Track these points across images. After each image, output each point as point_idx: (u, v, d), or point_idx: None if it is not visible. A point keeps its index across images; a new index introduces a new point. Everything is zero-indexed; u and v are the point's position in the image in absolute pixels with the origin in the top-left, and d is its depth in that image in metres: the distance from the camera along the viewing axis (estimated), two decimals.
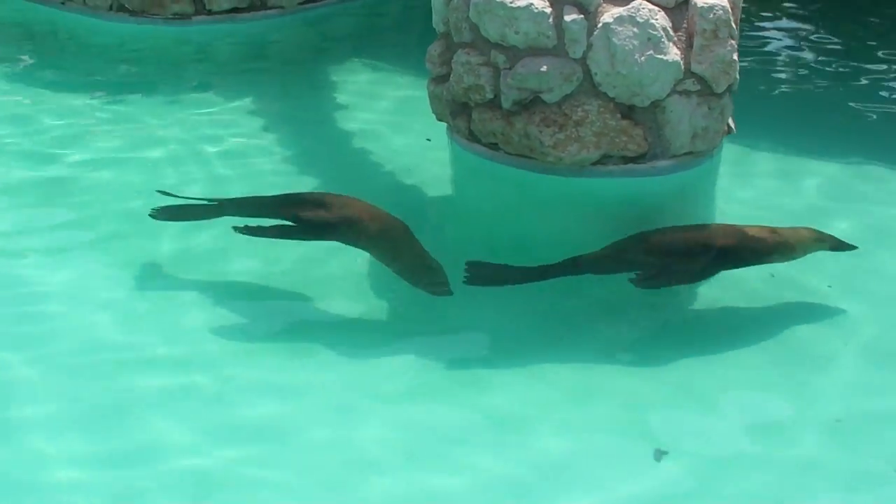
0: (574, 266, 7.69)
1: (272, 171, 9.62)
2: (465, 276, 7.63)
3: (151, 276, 8.00)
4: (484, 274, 7.67)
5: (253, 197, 8.20)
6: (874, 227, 8.85)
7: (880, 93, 12.62)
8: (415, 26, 10.53)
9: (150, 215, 8.08)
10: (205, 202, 8.16)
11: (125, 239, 8.49)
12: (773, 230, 7.94)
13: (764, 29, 15.17)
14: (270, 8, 13.32)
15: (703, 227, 8.26)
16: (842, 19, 17.55)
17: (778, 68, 13.43)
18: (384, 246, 7.75)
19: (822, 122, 11.27)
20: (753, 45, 13.89)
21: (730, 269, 7.87)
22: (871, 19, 18.33)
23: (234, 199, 8.20)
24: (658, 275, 7.69)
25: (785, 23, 16.22)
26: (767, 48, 14.11)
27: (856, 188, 9.64)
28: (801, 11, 16.99)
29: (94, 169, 9.72)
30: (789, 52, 14.58)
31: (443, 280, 7.51)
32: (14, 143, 10.14)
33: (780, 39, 14.97)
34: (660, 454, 6.22)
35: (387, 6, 14.36)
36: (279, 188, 8.92)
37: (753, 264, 7.89)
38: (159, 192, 8.31)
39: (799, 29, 16.17)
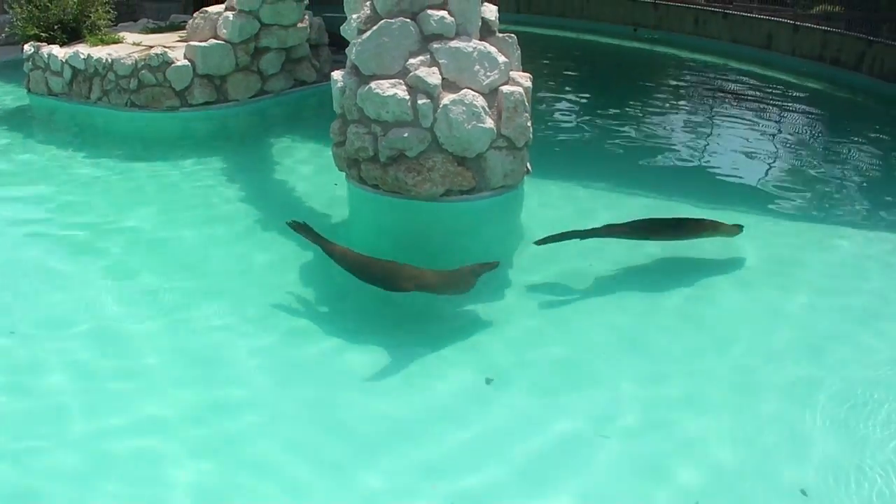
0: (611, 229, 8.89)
1: (233, 205, 10.50)
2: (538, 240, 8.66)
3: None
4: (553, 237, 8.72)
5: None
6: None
7: (628, 135, 14.30)
8: (325, 111, 11.26)
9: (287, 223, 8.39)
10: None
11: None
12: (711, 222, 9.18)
13: (555, 102, 16.71)
14: (230, 101, 14.67)
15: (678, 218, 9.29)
16: (613, 86, 19.07)
17: (562, 128, 14.77)
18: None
19: (588, 163, 12.61)
20: (546, 114, 15.41)
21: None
22: (642, 83, 19.88)
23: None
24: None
25: (568, 96, 17.73)
26: (556, 116, 15.66)
27: (609, 198, 10.71)
28: (578, 91, 18.42)
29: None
30: (572, 116, 16.06)
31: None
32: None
33: (565, 109, 16.53)
34: (489, 381, 6.84)
35: (307, 100, 15.74)
36: (237, 215, 10.08)
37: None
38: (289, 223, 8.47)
39: (578, 99, 17.67)
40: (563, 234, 8.83)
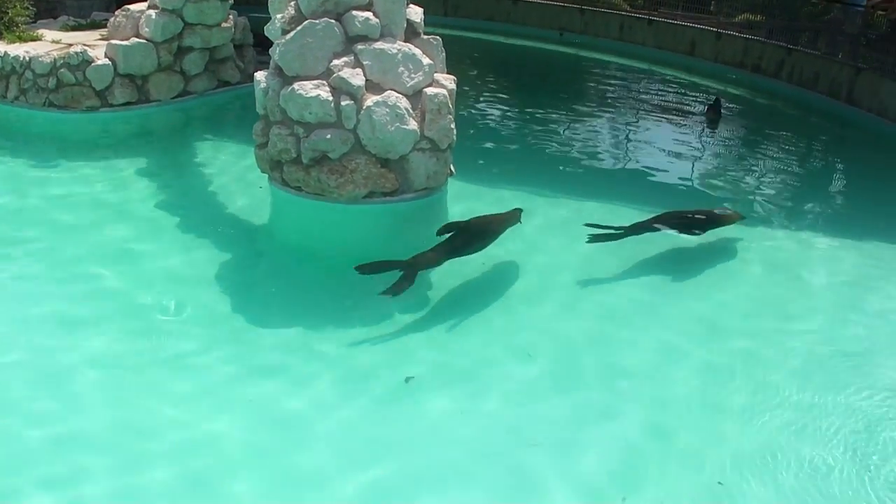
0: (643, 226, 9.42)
1: (154, 208, 10.22)
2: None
3: None
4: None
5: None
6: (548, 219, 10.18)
7: (553, 138, 14.45)
8: (249, 112, 11.13)
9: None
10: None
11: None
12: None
13: (481, 105, 16.71)
14: (152, 101, 14.31)
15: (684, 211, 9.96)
16: (539, 89, 19.16)
17: (486, 130, 14.83)
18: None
19: (513, 165, 12.77)
20: (471, 116, 15.40)
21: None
22: (567, 87, 20.03)
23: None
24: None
25: (494, 98, 17.75)
26: (480, 118, 15.64)
27: (534, 201, 10.69)
28: (503, 94, 18.47)
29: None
30: (497, 118, 16.07)
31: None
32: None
33: (490, 112, 16.51)
34: (409, 379, 6.87)
35: (231, 101, 15.49)
36: (158, 218, 9.86)
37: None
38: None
39: (504, 102, 17.70)
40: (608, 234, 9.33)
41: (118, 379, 6.87)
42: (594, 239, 9.23)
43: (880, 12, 20.29)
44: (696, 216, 9.91)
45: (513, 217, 9.32)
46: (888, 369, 7.55)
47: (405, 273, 8.07)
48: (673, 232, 9.66)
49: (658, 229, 9.56)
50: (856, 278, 9.59)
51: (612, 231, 9.34)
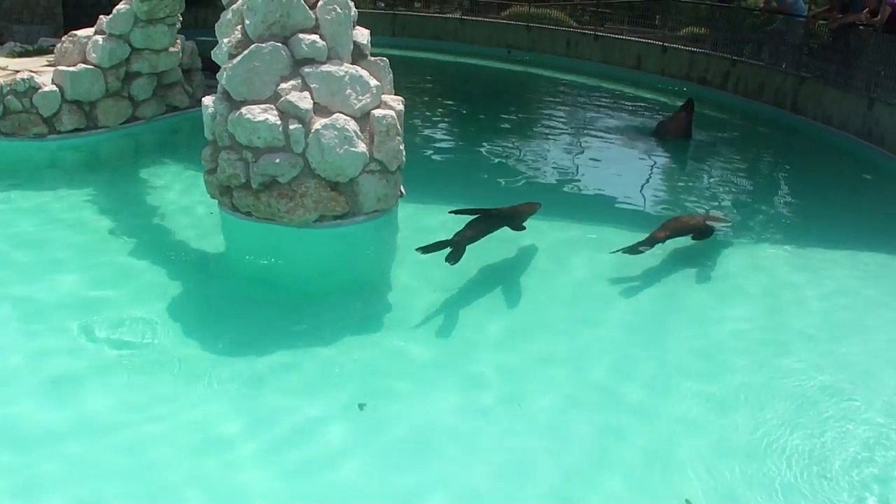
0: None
1: (103, 235, 10.06)
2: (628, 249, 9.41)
3: None
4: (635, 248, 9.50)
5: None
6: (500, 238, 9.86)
7: (503, 156, 14.49)
8: (198, 137, 10.89)
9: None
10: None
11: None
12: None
13: (430, 125, 16.68)
14: (100, 127, 14.11)
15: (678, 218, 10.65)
16: (487, 107, 19.21)
17: (436, 151, 14.83)
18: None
19: (463, 185, 12.79)
20: (420, 136, 15.35)
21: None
22: (516, 104, 20.08)
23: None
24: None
25: (443, 118, 17.76)
26: (430, 138, 15.64)
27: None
28: (452, 113, 18.49)
29: None
30: (446, 138, 16.08)
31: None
32: None
33: (439, 132, 16.53)
34: (362, 406, 6.73)
35: (180, 126, 15.31)
36: (108, 245, 9.72)
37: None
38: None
39: (453, 121, 17.73)
40: (630, 247, 9.62)
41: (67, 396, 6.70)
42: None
43: (821, 22, 20.49)
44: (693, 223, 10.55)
45: (533, 208, 10.30)
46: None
47: (455, 249, 8.97)
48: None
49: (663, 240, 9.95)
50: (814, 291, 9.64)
51: (631, 249, 9.61)
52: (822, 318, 8.94)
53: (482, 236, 9.40)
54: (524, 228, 9.99)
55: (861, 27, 18.34)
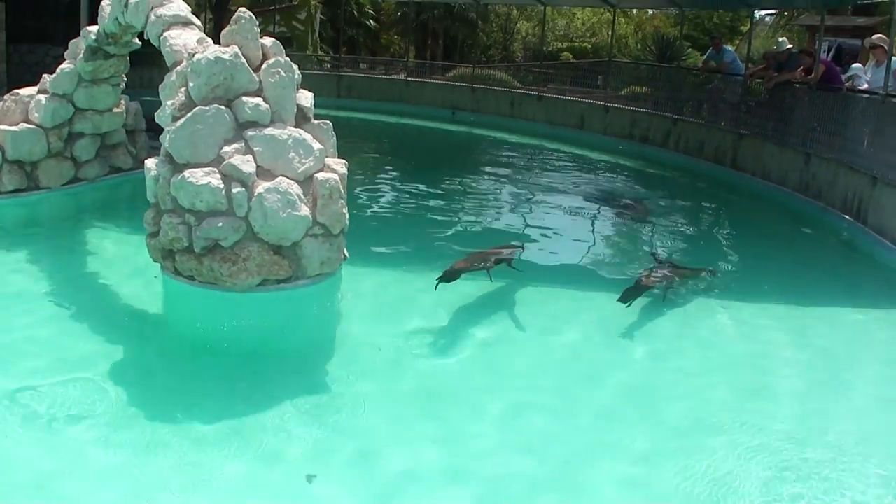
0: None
1: (44, 299, 9.86)
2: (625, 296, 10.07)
3: None
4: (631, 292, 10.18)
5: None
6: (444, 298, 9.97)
7: (448, 218, 14.50)
8: (141, 199, 10.45)
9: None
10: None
11: None
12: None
13: (374, 187, 16.63)
14: (42, 188, 13.76)
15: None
16: (432, 168, 19.22)
17: (380, 213, 14.79)
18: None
19: (408, 246, 12.70)
20: (364, 199, 15.30)
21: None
22: (461, 165, 20.11)
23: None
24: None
25: (388, 180, 17.75)
26: (374, 200, 15.56)
27: (429, 281, 10.48)
28: (397, 175, 18.49)
29: None
30: (391, 200, 16.04)
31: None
32: None
33: (384, 194, 16.47)
34: (311, 478, 6.55)
35: (123, 188, 14.99)
36: (48, 309, 9.53)
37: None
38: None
39: (397, 183, 17.72)
40: (636, 288, 10.44)
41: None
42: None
43: (758, 80, 20.84)
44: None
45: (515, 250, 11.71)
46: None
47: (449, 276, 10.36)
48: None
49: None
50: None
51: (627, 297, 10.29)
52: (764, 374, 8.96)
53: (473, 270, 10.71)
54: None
55: (796, 85, 18.64)
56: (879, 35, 17.64)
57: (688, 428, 7.65)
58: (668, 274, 11.06)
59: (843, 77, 18.43)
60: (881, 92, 15.58)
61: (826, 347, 9.83)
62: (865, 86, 17.07)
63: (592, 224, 15.34)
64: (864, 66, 18.87)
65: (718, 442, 7.37)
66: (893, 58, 16.24)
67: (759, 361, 9.31)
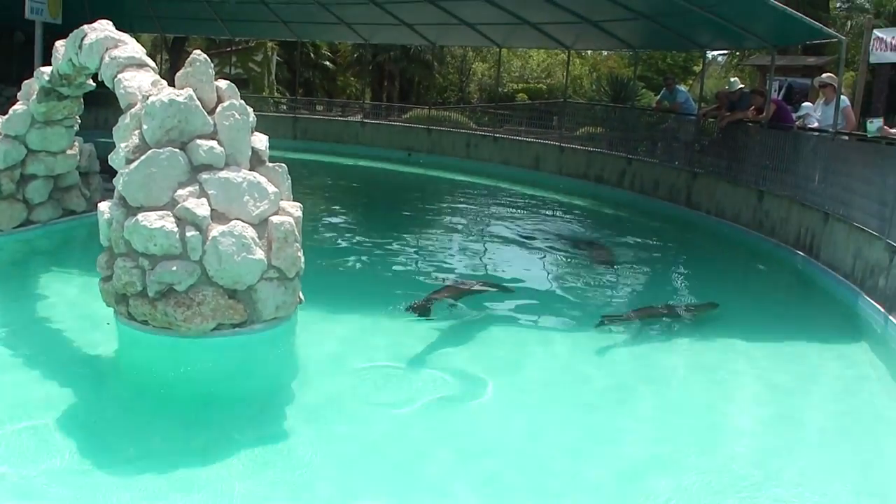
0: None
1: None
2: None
3: None
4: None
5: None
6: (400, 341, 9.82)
7: (404, 259, 14.49)
8: (95, 243, 10.36)
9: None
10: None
11: None
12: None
13: (330, 230, 16.59)
14: None
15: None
16: (388, 210, 19.24)
17: (336, 256, 14.68)
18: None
19: (363, 289, 12.69)
20: (320, 242, 15.28)
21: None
22: (417, 207, 20.08)
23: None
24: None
25: (343, 222, 17.73)
26: (330, 243, 15.58)
27: (385, 324, 10.74)
28: (353, 217, 18.48)
29: None
30: (347, 242, 16.04)
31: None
32: None
33: (339, 236, 16.47)
34: None
35: (77, 231, 14.79)
36: (3, 350, 9.29)
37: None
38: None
39: (353, 225, 17.70)
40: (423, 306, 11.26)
41: None
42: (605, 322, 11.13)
43: (711, 119, 21.05)
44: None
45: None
46: None
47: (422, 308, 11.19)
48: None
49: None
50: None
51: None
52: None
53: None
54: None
55: (748, 124, 18.87)
56: (829, 74, 17.90)
57: (645, 467, 7.58)
58: (451, 291, 12.08)
59: (794, 116, 18.66)
60: (831, 130, 15.78)
61: (781, 382, 9.86)
62: (816, 124, 17.29)
63: (554, 267, 15.33)
64: (814, 104, 19.15)
65: (674, 483, 7.32)
66: (842, 96, 16.50)
67: (715, 397, 9.36)
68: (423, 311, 11.08)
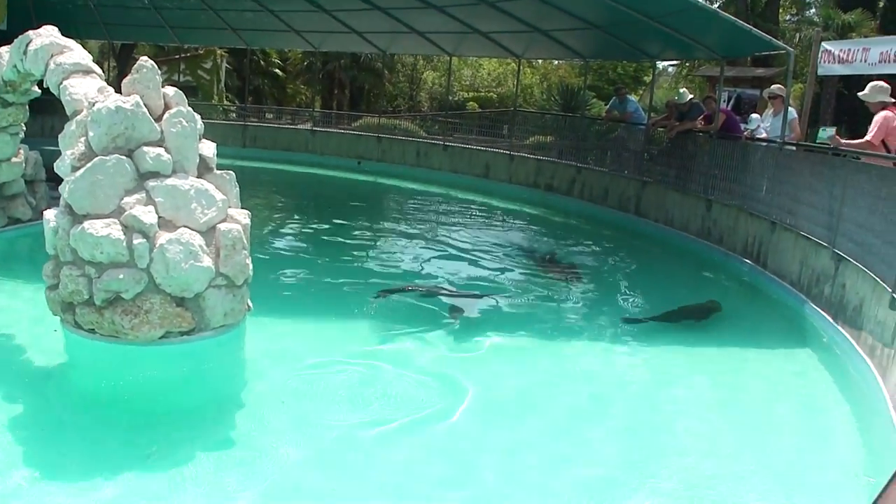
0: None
1: None
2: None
3: None
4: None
5: None
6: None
7: (353, 267, 14.43)
8: (41, 251, 10.34)
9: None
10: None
11: None
12: None
13: (279, 237, 16.59)
14: None
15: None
16: (338, 218, 19.21)
17: (285, 263, 14.76)
18: None
19: (312, 296, 12.70)
20: (269, 249, 15.32)
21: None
22: (367, 214, 20.10)
23: None
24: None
25: (293, 230, 17.72)
26: (279, 251, 15.66)
27: (335, 328, 10.76)
28: (302, 224, 18.46)
29: None
30: (296, 250, 16.05)
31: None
32: None
33: (289, 244, 16.52)
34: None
35: (22, 239, 14.66)
36: None
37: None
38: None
39: (302, 233, 17.66)
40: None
41: None
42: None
43: (660, 129, 21.26)
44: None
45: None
46: None
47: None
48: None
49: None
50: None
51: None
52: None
53: None
54: None
55: (698, 134, 19.08)
56: (778, 85, 18.15)
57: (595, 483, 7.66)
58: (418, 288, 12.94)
59: (743, 128, 18.93)
60: (778, 140, 16.00)
61: (732, 388, 10.12)
62: (764, 134, 17.52)
63: (491, 272, 15.40)
64: (762, 115, 19.42)
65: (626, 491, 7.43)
66: (790, 108, 16.76)
67: (662, 403, 9.56)
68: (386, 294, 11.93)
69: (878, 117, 12.75)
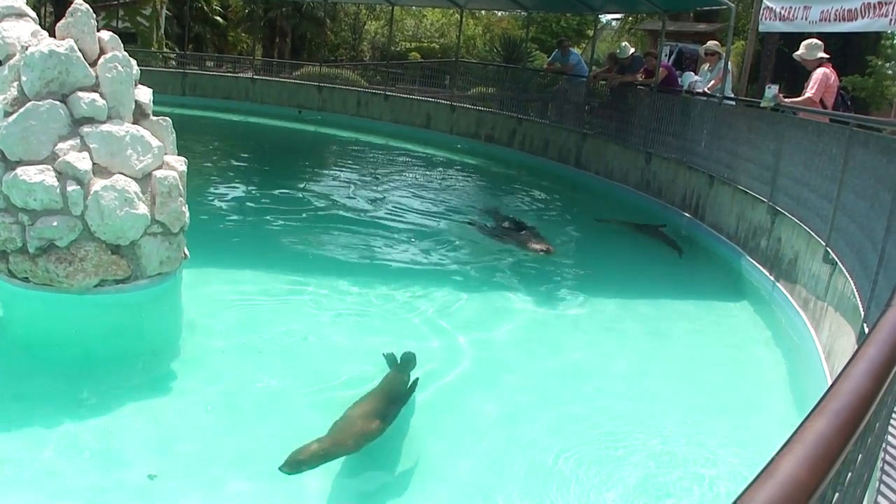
0: None
1: None
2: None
3: None
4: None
5: None
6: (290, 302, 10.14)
7: (292, 216, 14.41)
8: None
9: None
10: None
11: None
12: None
13: (217, 185, 16.43)
14: None
15: None
16: (277, 167, 19.08)
17: (223, 211, 14.72)
18: None
19: (250, 245, 12.65)
20: (207, 197, 15.22)
21: None
22: (306, 163, 20.00)
23: None
24: None
25: (231, 178, 17.55)
26: (217, 199, 15.55)
27: (270, 279, 10.76)
28: (241, 173, 18.33)
29: None
30: (234, 198, 15.95)
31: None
32: None
33: (227, 192, 16.42)
34: (152, 476, 6.45)
35: None
36: None
37: None
38: None
39: (241, 181, 17.53)
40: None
41: None
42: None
43: (602, 82, 21.31)
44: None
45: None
46: None
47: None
48: None
49: None
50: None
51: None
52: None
53: None
54: None
55: (638, 87, 19.15)
56: (715, 42, 18.31)
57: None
58: None
59: (680, 82, 19.06)
60: (718, 96, 16.13)
61: (665, 337, 10.31)
62: (703, 89, 17.65)
63: (432, 221, 15.43)
64: (699, 71, 19.56)
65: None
66: (729, 63, 16.88)
67: (594, 355, 9.70)
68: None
69: (818, 74, 12.91)
